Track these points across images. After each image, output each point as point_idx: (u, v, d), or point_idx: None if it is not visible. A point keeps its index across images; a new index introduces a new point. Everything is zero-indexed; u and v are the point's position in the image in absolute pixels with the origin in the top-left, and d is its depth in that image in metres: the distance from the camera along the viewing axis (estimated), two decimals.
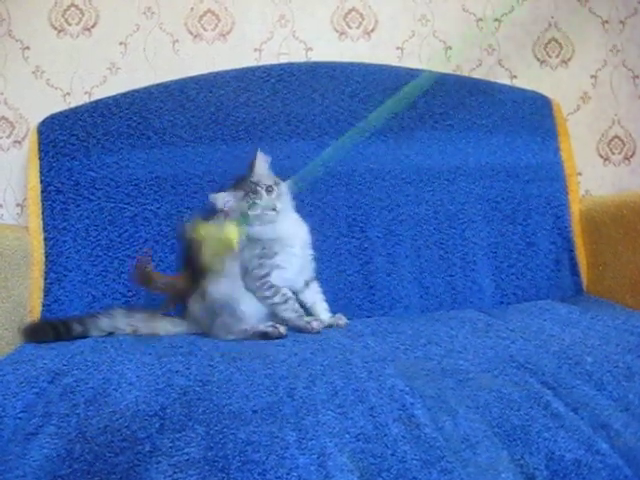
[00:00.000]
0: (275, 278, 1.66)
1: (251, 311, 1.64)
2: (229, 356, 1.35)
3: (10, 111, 2.17)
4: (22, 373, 1.29)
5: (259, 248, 1.65)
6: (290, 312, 1.64)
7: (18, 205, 2.20)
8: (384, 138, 2.02)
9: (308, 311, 1.70)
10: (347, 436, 1.03)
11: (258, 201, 1.62)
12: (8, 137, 2.18)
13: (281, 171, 1.82)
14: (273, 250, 1.65)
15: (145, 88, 2.01)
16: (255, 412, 1.08)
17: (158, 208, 1.90)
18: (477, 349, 1.36)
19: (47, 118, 1.95)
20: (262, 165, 1.68)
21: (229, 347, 1.45)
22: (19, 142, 2.17)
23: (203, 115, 1.97)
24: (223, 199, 1.63)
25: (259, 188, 1.64)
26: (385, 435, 1.04)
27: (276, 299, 1.66)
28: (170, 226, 1.89)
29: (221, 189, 1.71)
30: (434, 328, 1.59)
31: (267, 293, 1.66)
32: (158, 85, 2.01)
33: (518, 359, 1.28)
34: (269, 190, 1.64)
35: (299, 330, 1.59)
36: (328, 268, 1.83)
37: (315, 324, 1.62)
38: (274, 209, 1.63)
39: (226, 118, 1.98)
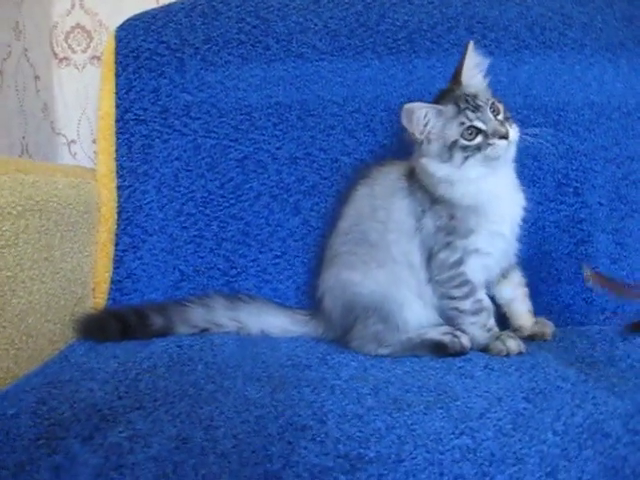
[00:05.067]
0: (471, 269, 1.20)
1: (420, 321, 1.23)
2: (386, 394, 0.96)
3: (87, 17, 1.81)
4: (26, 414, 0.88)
5: (446, 217, 1.19)
6: (478, 328, 1.20)
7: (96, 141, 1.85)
8: (612, 58, 1.53)
9: (500, 309, 1.30)
10: None
11: (480, 124, 1.16)
12: (84, 51, 1.83)
13: None
14: (468, 224, 1.18)
15: None
16: None
17: (278, 148, 1.53)
18: None
19: (129, 20, 1.60)
20: (475, 71, 1.22)
21: (383, 374, 1.06)
22: (98, 57, 1.81)
23: (346, 16, 1.56)
24: (420, 113, 1.17)
25: (480, 103, 1.16)
26: None
27: (465, 305, 1.20)
28: (295, 175, 1.51)
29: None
30: None
31: (456, 293, 1.20)
32: None
33: None
34: (494, 109, 1.16)
35: (485, 351, 1.19)
36: (526, 246, 1.35)
37: (514, 345, 1.17)
38: (505, 137, 1.15)
39: (379, 21, 1.55)
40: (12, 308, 1.11)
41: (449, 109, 1.17)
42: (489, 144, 1.14)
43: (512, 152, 1.18)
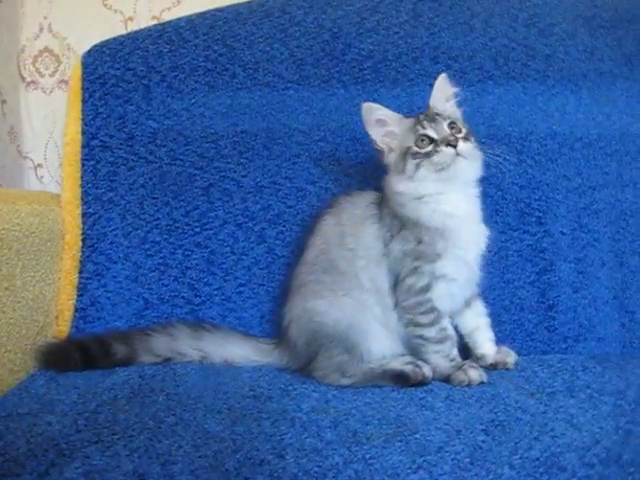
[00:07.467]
0: (438, 295, 1.20)
1: (383, 351, 1.22)
2: (346, 427, 0.95)
3: (55, 41, 1.81)
4: None
5: (414, 241, 1.19)
6: (442, 357, 1.19)
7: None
8: (574, 89, 1.53)
9: (463, 339, 1.29)
10: None
11: (432, 133, 1.18)
12: (52, 75, 1.83)
13: None
14: (435, 249, 1.18)
15: (232, 6, 1.61)
16: None
17: (244, 176, 1.50)
18: None
19: (95, 46, 1.57)
20: (442, 99, 1.25)
21: (344, 406, 1.05)
22: (66, 82, 1.79)
23: (312, 45, 1.54)
24: (379, 113, 1.22)
25: (439, 117, 1.19)
26: None
27: (431, 332, 1.19)
28: (260, 203, 1.49)
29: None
30: None
31: (422, 320, 1.19)
32: (250, 2, 1.61)
33: None
34: (452, 126, 1.19)
35: (446, 381, 1.17)
36: (489, 275, 1.34)
37: (475, 375, 1.16)
38: (453, 145, 1.16)
39: (345, 51, 1.54)
40: None
41: (410, 120, 1.20)
42: (437, 151, 1.16)
43: (468, 171, 1.19)
